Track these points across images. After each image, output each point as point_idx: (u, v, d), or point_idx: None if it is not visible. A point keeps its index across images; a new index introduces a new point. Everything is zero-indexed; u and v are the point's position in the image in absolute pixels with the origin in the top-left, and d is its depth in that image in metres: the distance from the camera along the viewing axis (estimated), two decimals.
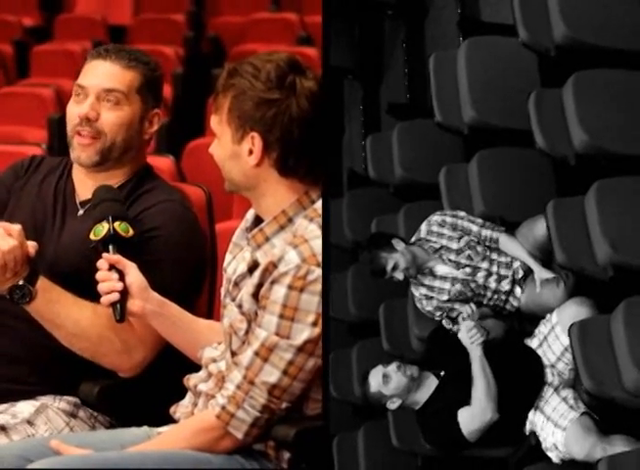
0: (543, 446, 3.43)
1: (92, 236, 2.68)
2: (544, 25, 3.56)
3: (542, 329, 3.57)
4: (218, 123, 2.52)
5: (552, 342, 3.51)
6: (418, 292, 3.91)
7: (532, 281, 3.75)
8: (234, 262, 2.59)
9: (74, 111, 2.88)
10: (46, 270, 2.76)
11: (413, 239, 3.94)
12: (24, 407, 2.83)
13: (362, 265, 4.34)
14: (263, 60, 2.49)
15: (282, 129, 2.47)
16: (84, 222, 2.77)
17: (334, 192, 5.36)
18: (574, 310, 3.43)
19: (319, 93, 2.51)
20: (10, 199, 2.98)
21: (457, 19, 4.77)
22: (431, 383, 3.63)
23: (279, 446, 2.54)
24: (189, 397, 2.67)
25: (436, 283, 3.86)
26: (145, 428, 2.69)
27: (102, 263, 2.62)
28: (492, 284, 3.80)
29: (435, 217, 3.91)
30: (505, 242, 3.81)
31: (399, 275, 3.85)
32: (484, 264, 3.81)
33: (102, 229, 2.67)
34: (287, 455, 2.55)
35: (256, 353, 2.48)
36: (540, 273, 3.70)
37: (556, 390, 3.50)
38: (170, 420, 2.67)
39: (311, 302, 2.44)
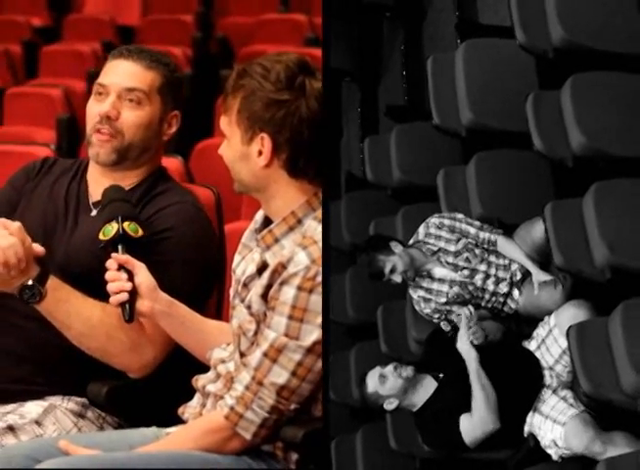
0: (542, 443, 3.43)
1: (101, 236, 2.68)
2: (542, 28, 3.55)
3: (540, 331, 3.56)
4: (228, 124, 2.52)
5: (550, 344, 3.51)
6: (416, 294, 3.90)
7: (530, 283, 3.74)
8: (243, 263, 2.59)
9: (95, 109, 2.87)
10: (57, 270, 2.75)
11: (411, 241, 3.93)
12: (33, 408, 2.83)
13: (360, 268, 4.32)
14: (273, 61, 2.49)
15: (291, 130, 2.46)
16: (96, 223, 2.76)
17: (332, 194, 5.30)
18: (572, 313, 3.43)
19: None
20: (20, 200, 2.97)
21: (455, 21, 4.74)
22: (428, 385, 3.62)
23: (287, 447, 2.54)
24: (197, 397, 2.67)
25: (434, 285, 3.86)
26: (153, 428, 2.69)
27: (111, 263, 2.62)
28: (490, 286, 3.79)
29: (433, 220, 3.90)
30: (503, 244, 3.80)
31: (397, 278, 3.83)
32: (482, 267, 3.80)
33: (111, 229, 2.67)
34: (295, 456, 2.56)
35: (265, 354, 2.48)
36: (538, 275, 3.69)
37: (554, 392, 3.50)
38: (179, 421, 2.67)
39: (320, 303, 2.45)
